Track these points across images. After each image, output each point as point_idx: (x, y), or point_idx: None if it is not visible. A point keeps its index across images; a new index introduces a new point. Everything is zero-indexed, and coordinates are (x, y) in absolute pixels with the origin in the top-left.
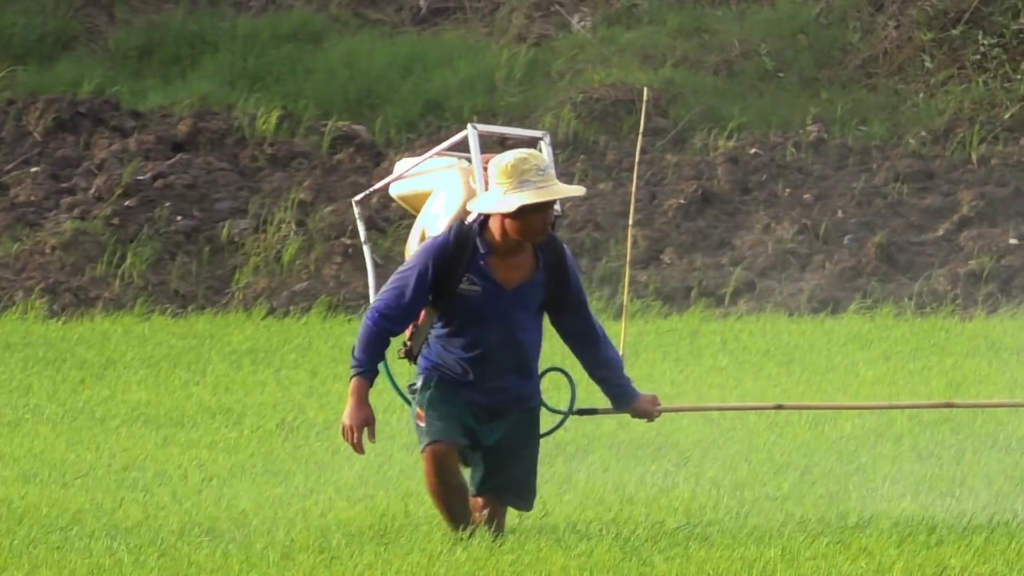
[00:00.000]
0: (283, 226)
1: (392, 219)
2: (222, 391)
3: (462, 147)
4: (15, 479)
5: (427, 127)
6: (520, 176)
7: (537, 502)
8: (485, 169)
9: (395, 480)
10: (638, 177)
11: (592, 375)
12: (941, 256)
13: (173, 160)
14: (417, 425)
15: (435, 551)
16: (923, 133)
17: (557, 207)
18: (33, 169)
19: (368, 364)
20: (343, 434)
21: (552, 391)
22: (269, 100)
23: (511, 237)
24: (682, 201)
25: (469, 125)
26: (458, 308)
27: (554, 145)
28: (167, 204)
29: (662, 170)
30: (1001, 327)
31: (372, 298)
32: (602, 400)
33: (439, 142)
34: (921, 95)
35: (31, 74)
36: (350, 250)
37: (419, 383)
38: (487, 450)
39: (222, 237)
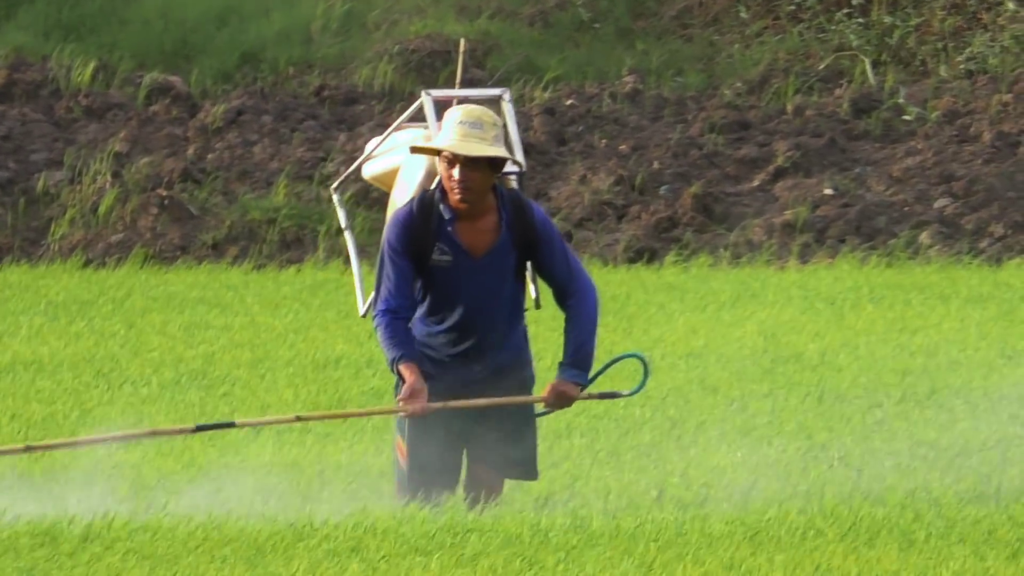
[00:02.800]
0: (99, 177)
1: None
2: (38, 342)
3: (420, 114)
4: None
5: (243, 78)
6: (445, 125)
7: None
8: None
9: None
10: None
11: (569, 342)
12: (756, 206)
13: None
14: (396, 458)
15: None
16: (738, 84)
17: (520, 166)
18: None
19: (405, 350)
20: (401, 405)
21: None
22: (84, 51)
23: (453, 194)
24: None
25: (423, 92)
26: (434, 280)
27: (370, 96)
28: None
29: None
30: (815, 276)
31: (358, 286)
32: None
33: (255, 94)
34: (736, 46)
35: None
36: (165, 202)
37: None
38: (483, 425)
39: (38, 189)
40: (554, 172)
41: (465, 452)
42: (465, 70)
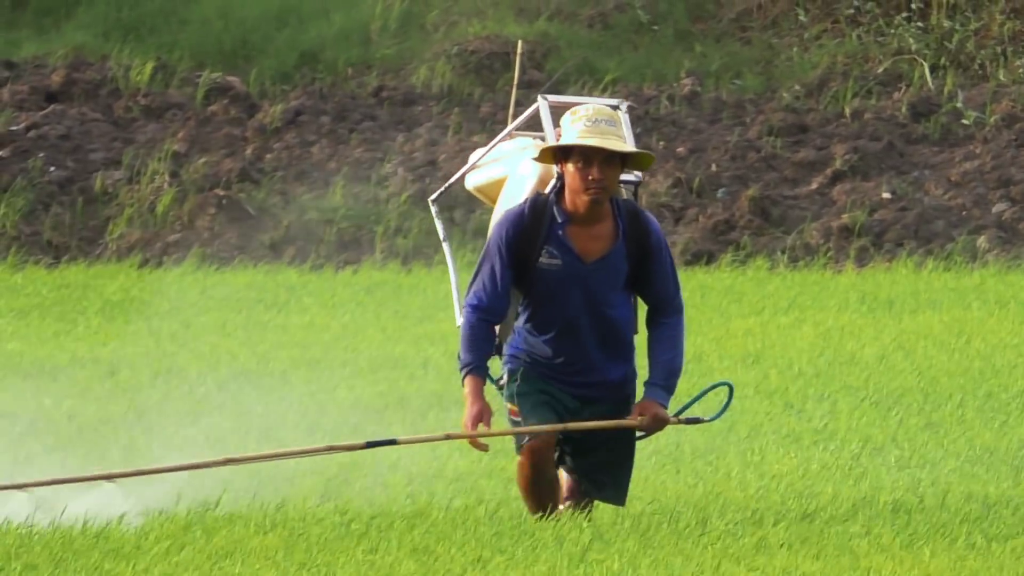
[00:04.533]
0: (156, 177)
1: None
2: (95, 342)
3: (533, 122)
4: None
5: (302, 79)
6: (571, 124)
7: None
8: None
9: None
10: (513, 129)
11: (649, 358)
12: (814, 210)
13: (47, 110)
14: (511, 421)
15: None
16: (797, 87)
17: (637, 175)
18: None
19: (476, 360)
20: (465, 430)
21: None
22: (143, 51)
23: (573, 197)
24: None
25: (539, 96)
26: (540, 285)
27: (428, 98)
28: (41, 155)
29: (536, 122)
30: (873, 280)
31: (455, 297)
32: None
33: (313, 94)
34: (795, 49)
35: None
36: (224, 201)
37: (504, 376)
38: (584, 441)
39: (96, 188)
40: None
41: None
42: (523, 72)
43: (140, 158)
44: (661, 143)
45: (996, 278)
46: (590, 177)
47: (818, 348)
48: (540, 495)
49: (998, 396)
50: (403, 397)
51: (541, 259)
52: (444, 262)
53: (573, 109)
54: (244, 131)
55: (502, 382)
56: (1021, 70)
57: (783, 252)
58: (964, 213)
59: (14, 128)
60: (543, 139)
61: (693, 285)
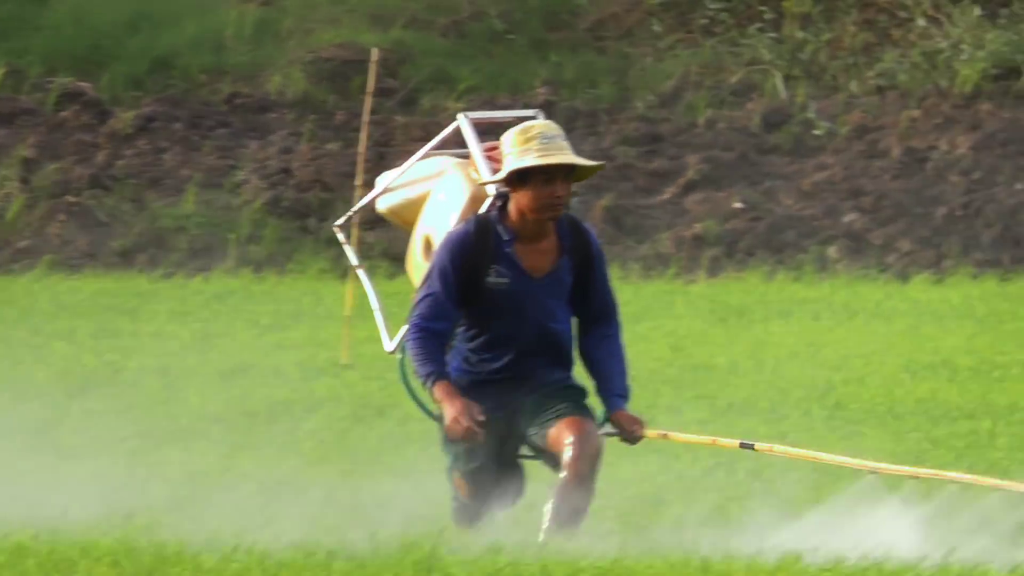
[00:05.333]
0: (7, 183)
1: None
2: None
3: (451, 142)
4: None
5: (154, 85)
6: (524, 144)
7: None
8: (490, 158)
9: None
10: (367, 138)
11: (589, 371)
12: (667, 219)
13: None
14: (454, 494)
15: None
16: (651, 97)
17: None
18: None
19: (436, 368)
20: (454, 433)
21: None
22: None
23: (528, 217)
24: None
25: (460, 114)
26: (488, 304)
27: (282, 105)
28: None
29: (391, 131)
30: (724, 289)
31: (379, 320)
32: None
33: (166, 101)
34: (649, 59)
35: None
36: (74, 208)
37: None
38: (533, 418)
39: None
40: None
41: (527, 447)
42: (378, 79)
43: None
44: None
45: (846, 288)
46: (556, 195)
47: (667, 357)
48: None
49: (846, 406)
50: (252, 405)
51: (488, 278)
52: (297, 271)
53: (521, 130)
54: (95, 137)
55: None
56: (872, 81)
57: (636, 261)
58: (815, 223)
59: None
60: (466, 157)
61: None
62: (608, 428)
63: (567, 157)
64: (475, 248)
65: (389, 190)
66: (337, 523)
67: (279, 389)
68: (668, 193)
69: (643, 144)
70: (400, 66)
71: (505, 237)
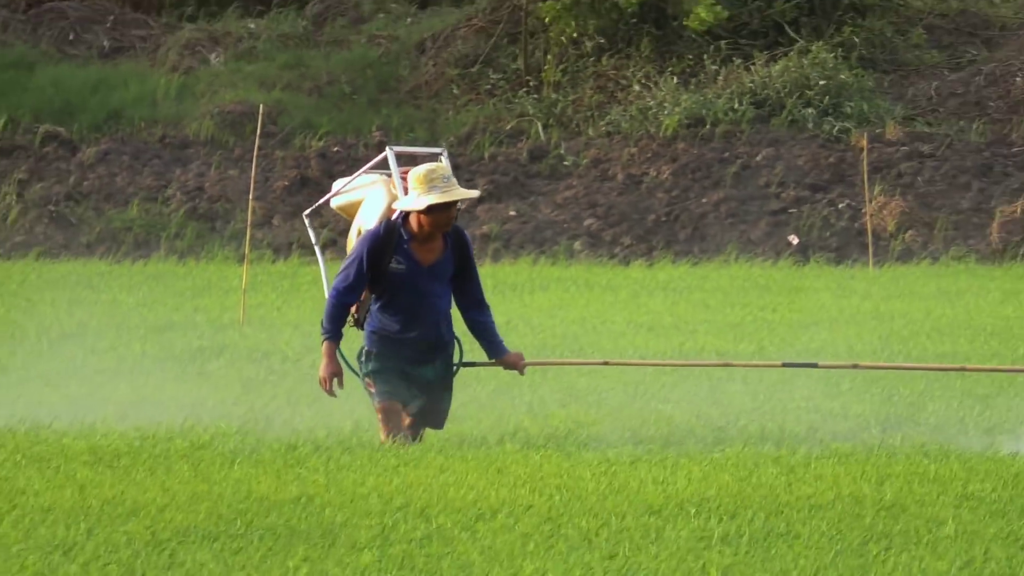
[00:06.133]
0: (7, 197)
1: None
2: None
3: (382, 164)
4: None
5: (109, 129)
6: (429, 183)
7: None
8: (403, 178)
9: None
10: (256, 166)
11: (473, 332)
12: (463, 223)
13: None
14: (368, 391)
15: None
16: (452, 138)
17: (459, 205)
18: None
19: (334, 331)
20: (320, 383)
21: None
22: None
23: (425, 229)
24: (287, 183)
25: (387, 148)
26: (390, 283)
27: (197, 144)
28: None
29: (273, 162)
30: (503, 271)
31: (325, 286)
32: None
33: (117, 140)
34: (451, 112)
35: None
36: (54, 214)
37: (364, 348)
38: (424, 386)
39: None
40: (325, 195)
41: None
42: (263, 126)
43: None
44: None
45: (586, 271)
46: (450, 217)
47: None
48: (390, 429)
49: (585, 352)
50: (178, 351)
51: (391, 264)
52: (208, 258)
53: (427, 171)
54: (69, 165)
55: (363, 352)
56: (603, 128)
57: None
58: (565, 226)
59: None
60: (387, 174)
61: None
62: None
63: (460, 194)
64: (382, 244)
65: (339, 193)
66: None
67: (196, 340)
68: (465, 206)
69: None
70: (279, 116)
71: (405, 237)
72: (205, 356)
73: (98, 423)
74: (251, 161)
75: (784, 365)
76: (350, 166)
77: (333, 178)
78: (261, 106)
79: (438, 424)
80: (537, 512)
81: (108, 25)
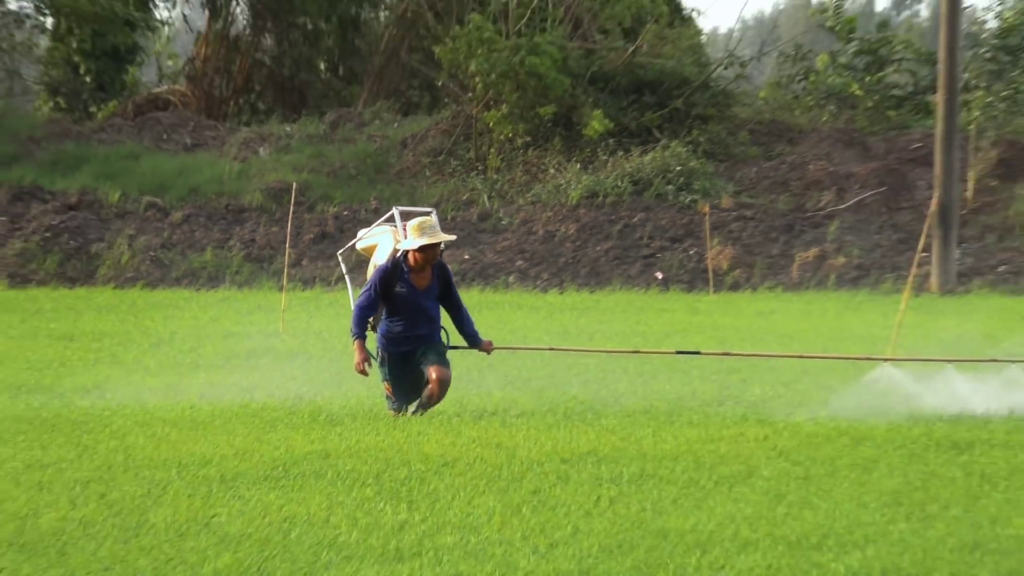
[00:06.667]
0: (120, 247)
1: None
2: None
3: (390, 218)
4: None
5: (191, 199)
6: (422, 230)
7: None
8: (404, 228)
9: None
10: (291, 225)
11: (457, 328)
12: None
13: None
14: (386, 395)
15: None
16: (425, 206)
17: (442, 246)
18: None
19: (360, 333)
20: (355, 367)
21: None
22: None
23: (419, 262)
24: (312, 236)
25: (395, 208)
26: (395, 301)
27: (250, 210)
28: None
29: (302, 221)
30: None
31: (351, 301)
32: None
33: (195, 207)
34: (424, 187)
35: None
36: (153, 257)
37: (378, 355)
38: (420, 357)
39: None
40: (342, 243)
41: (422, 372)
42: (296, 197)
43: None
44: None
45: (518, 296)
46: (435, 254)
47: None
48: (395, 416)
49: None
50: (235, 351)
51: (397, 288)
52: (259, 289)
53: (420, 222)
54: (163, 226)
55: (378, 357)
56: (530, 199)
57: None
58: (503, 265)
59: None
60: (394, 226)
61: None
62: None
63: (442, 237)
64: (390, 275)
65: (361, 239)
66: (269, 394)
67: (250, 344)
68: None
69: None
70: (306, 191)
71: (405, 270)
72: (256, 355)
73: (183, 400)
74: (287, 221)
75: (677, 353)
76: (355, 224)
77: (345, 234)
78: (294, 184)
79: (445, 367)
80: (484, 462)
81: (190, 128)
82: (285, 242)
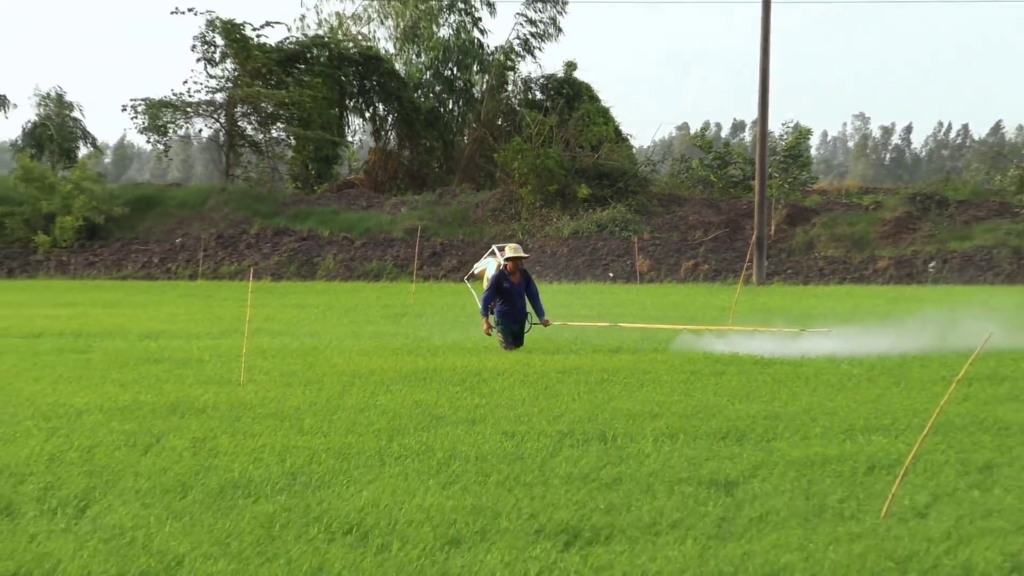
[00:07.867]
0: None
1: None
2: None
3: (491, 252)
4: None
5: (368, 236)
6: (514, 250)
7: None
8: (500, 253)
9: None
10: (418, 248)
11: (534, 310)
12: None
13: None
14: (500, 341)
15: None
16: (486, 240)
17: (524, 258)
18: None
19: (485, 312)
20: (483, 332)
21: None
22: None
23: (511, 269)
24: (428, 255)
25: (494, 246)
26: (504, 293)
27: (397, 240)
28: None
29: (424, 247)
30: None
31: (476, 300)
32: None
33: (370, 242)
34: (487, 229)
35: None
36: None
37: (495, 322)
38: (517, 330)
39: None
40: (447, 259)
41: (515, 331)
42: (420, 234)
43: None
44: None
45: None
46: (521, 263)
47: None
48: (506, 349)
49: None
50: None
51: (504, 285)
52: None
53: (511, 247)
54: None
55: (495, 324)
56: (543, 235)
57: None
58: (528, 269)
59: None
60: (494, 255)
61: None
62: (538, 324)
63: (522, 254)
64: (500, 278)
65: (475, 268)
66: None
67: (396, 311)
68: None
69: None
70: (424, 231)
71: (506, 274)
72: (398, 316)
73: (350, 350)
74: (415, 245)
75: (613, 325)
76: (452, 249)
77: (447, 252)
78: (419, 227)
79: (522, 341)
80: (518, 372)
81: (365, 198)
82: (414, 258)
